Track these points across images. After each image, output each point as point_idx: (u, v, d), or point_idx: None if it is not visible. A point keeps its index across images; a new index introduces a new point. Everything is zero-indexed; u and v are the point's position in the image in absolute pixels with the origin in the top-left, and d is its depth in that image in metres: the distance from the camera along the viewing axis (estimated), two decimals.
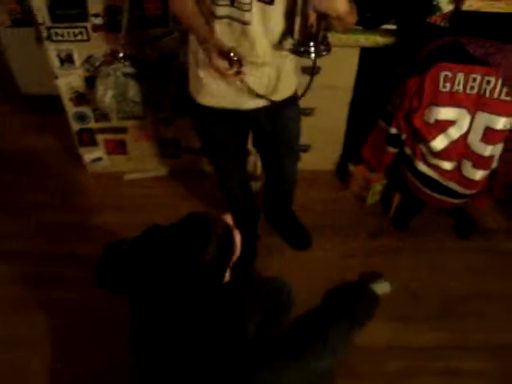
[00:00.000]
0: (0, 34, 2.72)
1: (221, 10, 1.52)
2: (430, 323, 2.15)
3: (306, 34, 1.50)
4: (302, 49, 1.53)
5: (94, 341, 2.05)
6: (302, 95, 1.72)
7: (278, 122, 1.86)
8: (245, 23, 1.52)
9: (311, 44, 1.51)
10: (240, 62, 1.57)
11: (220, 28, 1.55)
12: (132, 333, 1.38)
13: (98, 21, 2.10)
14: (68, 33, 2.13)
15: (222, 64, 1.56)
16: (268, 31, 1.56)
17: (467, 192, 2.19)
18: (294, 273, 2.02)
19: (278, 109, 1.79)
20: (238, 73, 1.58)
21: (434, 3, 2.03)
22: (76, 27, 2.12)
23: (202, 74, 1.69)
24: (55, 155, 2.76)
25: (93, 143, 2.53)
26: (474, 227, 2.46)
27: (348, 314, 1.44)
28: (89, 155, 2.59)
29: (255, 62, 1.61)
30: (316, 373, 1.27)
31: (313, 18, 1.45)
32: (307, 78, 1.84)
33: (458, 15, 2.03)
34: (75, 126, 2.46)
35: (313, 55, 1.53)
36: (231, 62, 1.56)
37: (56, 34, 2.13)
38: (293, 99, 1.84)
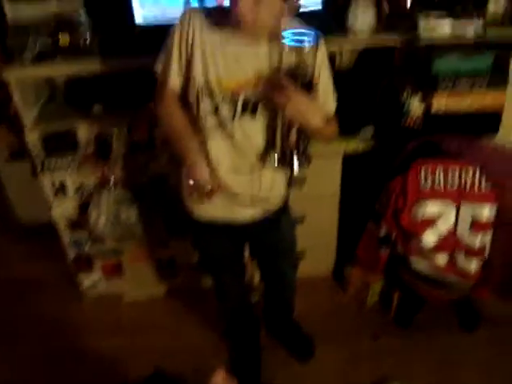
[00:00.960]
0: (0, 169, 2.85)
1: (209, 123, 1.60)
2: None
3: (287, 147, 1.58)
4: (285, 161, 1.61)
5: None
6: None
7: (274, 232, 1.89)
8: (230, 136, 1.61)
9: (293, 157, 1.59)
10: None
11: (210, 141, 1.63)
12: None
13: (89, 150, 2.21)
14: (61, 164, 2.22)
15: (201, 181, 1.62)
16: (251, 144, 1.64)
17: (465, 284, 2.19)
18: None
19: (273, 218, 1.83)
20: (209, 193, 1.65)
21: (405, 108, 2.15)
22: (68, 157, 2.21)
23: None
24: (53, 282, 2.75)
25: (90, 268, 2.55)
26: (479, 319, 2.41)
27: None
28: (86, 280, 2.59)
29: (245, 172, 1.68)
30: None
31: (292, 131, 1.55)
32: (294, 189, 1.95)
33: (429, 116, 2.15)
34: (71, 252, 2.49)
35: (296, 167, 1.61)
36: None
37: (49, 165, 2.22)
38: (286, 207, 1.89)
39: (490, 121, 2.16)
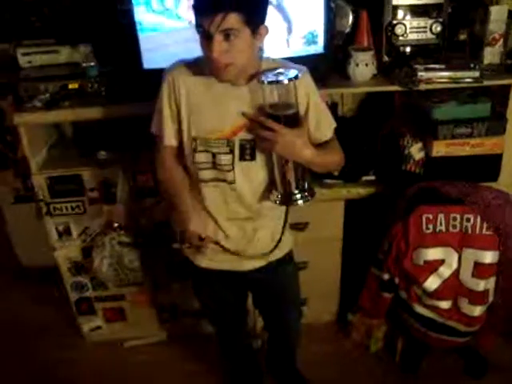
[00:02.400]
0: (4, 211, 2.88)
1: (206, 174, 1.62)
2: None
3: (287, 183, 1.59)
4: (287, 199, 1.61)
5: None
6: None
7: (277, 281, 1.87)
8: (230, 182, 1.62)
9: (295, 193, 1.60)
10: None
11: (207, 191, 1.65)
12: None
13: (94, 194, 2.24)
14: (66, 207, 2.26)
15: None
16: (253, 186, 1.65)
17: (469, 329, 2.17)
18: None
19: (276, 267, 1.81)
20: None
21: (406, 153, 2.19)
22: (73, 201, 2.24)
23: (210, 226, 1.71)
24: (54, 326, 2.74)
25: (91, 312, 2.53)
26: (486, 366, 2.37)
27: None
28: (87, 324, 2.57)
29: (247, 218, 1.69)
30: None
31: (289, 167, 1.56)
32: (295, 233, 1.93)
33: (430, 161, 2.18)
34: (73, 296, 2.48)
35: (300, 203, 1.61)
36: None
37: (55, 208, 2.25)
38: (289, 256, 1.88)
39: (491, 164, 2.20)
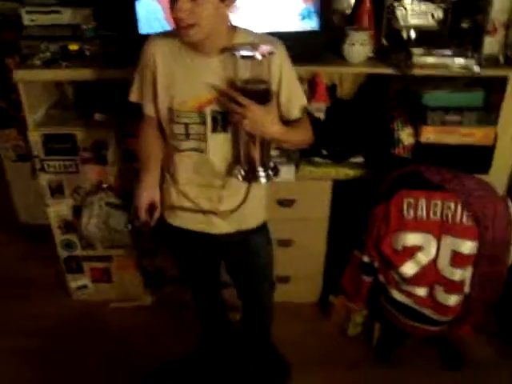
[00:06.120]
0: (6, 168, 2.97)
1: (181, 145, 1.67)
2: None
3: (251, 160, 1.60)
4: (249, 176, 1.62)
5: None
6: None
7: (247, 249, 1.89)
8: (203, 152, 1.66)
9: (259, 169, 1.61)
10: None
11: (180, 160, 1.70)
12: None
13: (86, 154, 2.29)
14: (59, 165, 2.32)
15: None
16: (225, 158, 1.67)
17: (443, 319, 2.16)
18: None
19: (246, 235, 1.84)
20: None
21: (396, 137, 2.18)
22: (66, 160, 2.31)
23: (173, 194, 1.78)
24: (43, 282, 2.82)
25: (79, 271, 2.60)
26: (462, 359, 2.36)
27: None
28: (75, 282, 2.64)
29: (217, 185, 1.72)
30: None
31: (255, 144, 1.57)
32: (281, 209, 1.99)
33: (420, 147, 2.17)
34: (63, 254, 2.56)
35: (263, 180, 1.62)
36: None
37: (48, 166, 2.32)
38: (261, 228, 1.89)
39: (482, 156, 2.18)
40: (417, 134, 2.16)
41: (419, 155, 2.18)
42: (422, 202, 2.02)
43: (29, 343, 2.46)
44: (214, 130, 1.62)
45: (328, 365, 2.37)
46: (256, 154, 1.58)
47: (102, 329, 2.57)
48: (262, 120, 1.51)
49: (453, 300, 2.09)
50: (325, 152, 2.29)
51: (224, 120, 1.60)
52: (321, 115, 2.31)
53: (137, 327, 2.56)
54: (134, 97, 1.74)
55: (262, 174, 1.61)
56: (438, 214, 2.01)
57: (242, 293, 2.14)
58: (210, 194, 1.73)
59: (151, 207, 1.78)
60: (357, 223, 2.25)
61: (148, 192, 1.76)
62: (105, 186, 2.31)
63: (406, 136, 2.17)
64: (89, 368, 2.36)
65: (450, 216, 2.00)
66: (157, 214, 1.79)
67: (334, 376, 2.31)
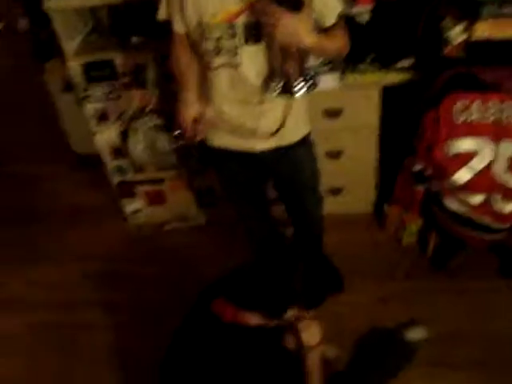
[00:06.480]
0: (56, 100, 3.00)
1: (213, 61, 1.61)
2: (470, 370, 1.98)
3: (286, 72, 1.54)
4: (286, 89, 1.56)
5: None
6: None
7: (290, 163, 1.87)
8: (236, 66, 1.59)
9: (294, 83, 1.55)
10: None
11: (215, 78, 1.65)
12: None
13: (126, 79, 2.28)
14: (101, 92, 2.33)
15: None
16: (258, 72, 1.61)
17: (502, 226, 2.07)
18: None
19: (288, 150, 1.81)
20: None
21: (446, 36, 2.02)
22: (108, 86, 2.31)
23: (211, 114, 1.75)
24: (99, 209, 2.93)
25: (132, 195, 2.67)
26: None
27: (381, 367, 1.41)
28: (129, 206, 2.72)
29: (254, 101, 1.66)
30: None
31: (289, 54, 1.50)
32: (328, 120, 1.97)
33: (472, 45, 2.00)
34: (115, 179, 2.62)
35: (300, 94, 1.56)
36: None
37: (91, 93, 2.33)
38: (304, 141, 1.85)
39: None
40: (469, 31, 1.98)
41: (472, 54, 2.00)
42: (476, 105, 1.88)
43: (95, 266, 2.61)
44: (247, 41, 1.55)
45: (383, 274, 2.37)
46: (290, 65, 1.52)
47: (158, 251, 2.66)
48: (295, 29, 1.43)
49: (510, 207, 1.99)
50: (371, 56, 2.16)
51: (256, 30, 1.53)
52: (365, 18, 2.16)
53: (192, 246, 2.63)
54: (162, 14, 1.68)
55: (297, 87, 1.55)
56: (495, 117, 1.88)
57: (289, 207, 2.14)
58: (249, 111, 1.69)
59: (194, 122, 1.78)
60: (409, 130, 2.15)
61: (189, 107, 1.77)
62: (148, 109, 2.30)
63: (457, 34, 2.00)
64: (151, 286, 2.47)
65: (509, 118, 1.86)
66: (201, 127, 1.78)
67: (388, 286, 2.31)
